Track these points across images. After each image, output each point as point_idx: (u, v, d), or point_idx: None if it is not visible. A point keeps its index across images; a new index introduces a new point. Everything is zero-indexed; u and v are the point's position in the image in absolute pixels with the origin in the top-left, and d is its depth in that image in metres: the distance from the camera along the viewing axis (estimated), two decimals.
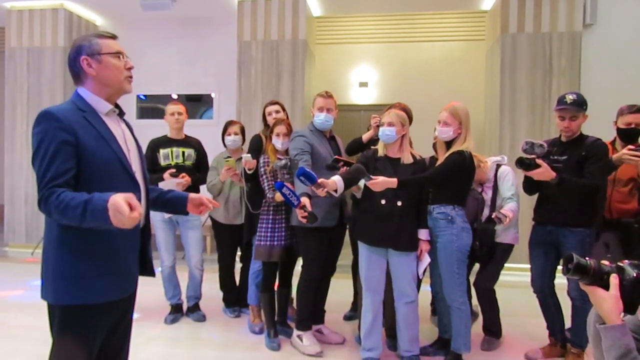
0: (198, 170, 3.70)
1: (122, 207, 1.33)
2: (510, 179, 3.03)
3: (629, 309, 1.18)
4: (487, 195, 3.06)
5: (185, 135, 3.72)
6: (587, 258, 1.20)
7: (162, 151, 3.58)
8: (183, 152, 3.63)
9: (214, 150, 3.90)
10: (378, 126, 3.55)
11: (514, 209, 2.93)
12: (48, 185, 1.47)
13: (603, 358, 1.20)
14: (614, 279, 1.17)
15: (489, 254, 2.99)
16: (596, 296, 1.18)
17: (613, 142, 2.98)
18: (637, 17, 5.51)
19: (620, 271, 1.19)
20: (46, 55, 6.23)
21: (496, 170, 3.09)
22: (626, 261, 1.22)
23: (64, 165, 1.49)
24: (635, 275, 1.18)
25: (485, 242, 2.92)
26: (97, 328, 1.61)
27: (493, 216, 2.87)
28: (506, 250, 3.08)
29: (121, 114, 1.73)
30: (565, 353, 2.93)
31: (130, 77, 1.70)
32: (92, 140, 1.56)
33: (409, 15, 6.89)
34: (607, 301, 1.16)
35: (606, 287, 1.18)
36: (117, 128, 1.68)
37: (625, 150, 2.68)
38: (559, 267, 2.88)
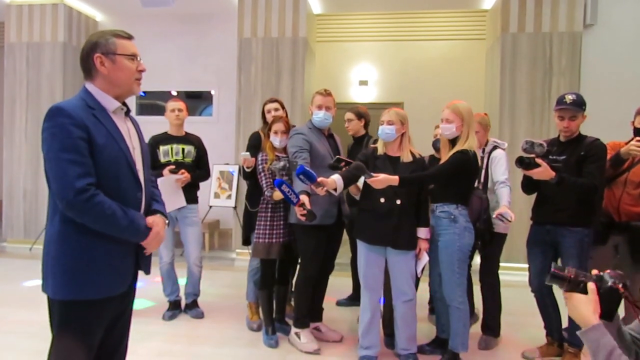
0: (198, 167, 3.70)
1: (161, 236, 1.69)
2: (503, 164, 3.03)
3: (606, 316, 1.21)
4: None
5: (186, 132, 3.72)
6: (567, 268, 1.25)
7: (162, 148, 3.58)
8: (183, 149, 3.63)
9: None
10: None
11: (509, 197, 2.93)
12: (83, 181, 1.48)
13: None
14: (591, 285, 1.21)
15: (489, 242, 2.99)
16: (574, 299, 1.22)
17: (629, 142, 2.96)
18: (638, 17, 5.51)
19: (599, 280, 1.23)
20: (46, 50, 6.22)
21: (489, 154, 3.09)
22: (608, 271, 1.25)
23: (88, 161, 1.51)
24: (611, 283, 1.21)
25: (485, 229, 2.93)
26: (97, 323, 1.62)
27: (494, 215, 2.86)
28: (501, 238, 3.11)
29: (127, 111, 1.74)
30: (563, 352, 2.93)
31: (140, 79, 1.71)
32: (101, 137, 1.56)
33: (410, 14, 6.89)
34: (584, 303, 1.20)
35: (584, 293, 1.22)
36: (123, 126, 1.69)
37: (633, 142, 2.68)
38: None
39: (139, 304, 3.75)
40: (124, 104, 1.72)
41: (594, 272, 1.26)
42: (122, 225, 1.55)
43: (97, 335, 1.63)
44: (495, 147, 3.13)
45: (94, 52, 1.61)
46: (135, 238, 1.63)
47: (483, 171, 3.09)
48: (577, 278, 1.23)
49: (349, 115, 3.84)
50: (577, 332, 1.20)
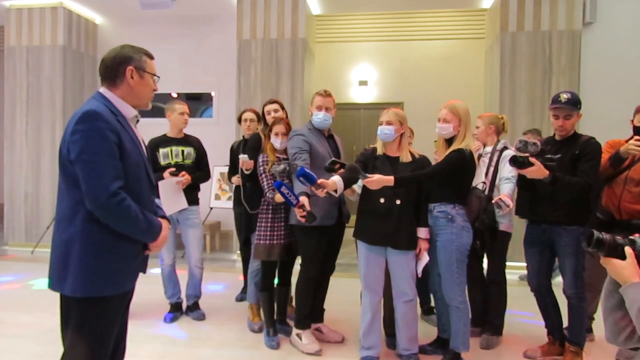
0: (198, 168, 3.70)
1: (166, 240, 1.79)
2: None
3: None
4: (488, 174, 3.14)
5: (185, 134, 3.72)
6: (602, 233, 1.33)
7: (161, 150, 3.59)
8: (182, 151, 3.63)
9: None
10: None
11: (510, 191, 2.98)
12: (116, 184, 1.57)
13: (615, 335, 1.33)
14: (628, 250, 1.31)
15: (491, 239, 3.00)
16: (615, 265, 1.31)
17: (629, 140, 2.95)
18: (637, 15, 5.50)
19: (632, 243, 1.33)
20: (45, 53, 6.23)
21: (500, 152, 3.15)
22: (637, 235, 1.35)
23: (120, 165, 1.60)
24: None
25: (487, 223, 2.95)
26: (115, 319, 1.69)
27: (493, 201, 2.88)
28: (504, 237, 3.11)
29: (138, 120, 1.84)
30: (564, 351, 2.93)
31: (152, 97, 1.84)
32: (128, 143, 1.67)
33: (409, 14, 6.89)
34: (626, 268, 1.29)
35: (622, 257, 1.31)
36: (137, 133, 1.80)
37: (632, 141, 2.68)
38: (555, 265, 2.90)
39: (140, 306, 3.75)
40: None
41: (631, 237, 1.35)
42: (142, 228, 1.66)
43: (114, 332, 1.70)
44: (505, 148, 3.19)
45: (128, 64, 1.72)
46: (149, 239, 1.73)
47: (492, 169, 3.12)
48: (614, 243, 1.32)
49: (252, 115, 3.84)
50: (621, 289, 1.28)
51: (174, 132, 3.66)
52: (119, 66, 1.72)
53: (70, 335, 1.62)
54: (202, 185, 3.78)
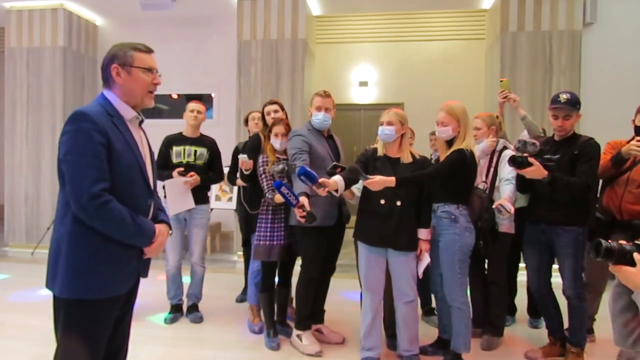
0: (210, 169, 3.70)
1: (163, 245, 1.73)
2: None
3: None
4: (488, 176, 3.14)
5: (201, 134, 3.73)
6: (609, 241, 1.31)
7: (175, 148, 3.60)
8: (195, 151, 3.63)
9: None
10: None
11: (512, 197, 2.96)
12: (98, 186, 1.53)
13: (624, 338, 1.30)
14: (637, 256, 1.29)
15: (492, 241, 2.99)
16: (626, 273, 1.28)
17: (630, 141, 2.95)
18: (637, 15, 5.50)
19: (638, 248, 1.30)
20: (46, 55, 6.23)
21: (500, 153, 3.15)
22: None
23: (105, 167, 1.57)
24: None
25: (487, 225, 2.94)
26: (102, 324, 1.65)
27: (494, 206, 2.88)
28: (504, 238, 3.10)
29: (141, 121, 1.80)
30: (565, 352, 2.92)
31: (153, 92, 1.76)
32: (119, 144, 1.63)
33: (409, 14, 6.89)
34: (637, 275, 1.27)
35: (631, 264, 1.28)
36: (137, 134, 1.76)
37: (633, 142, 2.68)
38: (555, 266, 2.89)
39: (140, 306, 3.75)
40: (139, 114, 1.78)
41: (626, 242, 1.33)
42: (130, 231, 1.62)
43: (104, 336, 1.67)
44: (505, 148, 3.18)
45: (112, 63, 1.69)
46: (141, 244, 1.70)
47: (492, 169, 3.12)
48: (622, 250, 1.29)
49: (259, 114, 3.72)
50: (633, 296, 1.26)
51: (189, 131, 3.68)
52: (107, 67, 1.70)
53: (59, 336, 1.62)
54: (214, 187, 3.78)
